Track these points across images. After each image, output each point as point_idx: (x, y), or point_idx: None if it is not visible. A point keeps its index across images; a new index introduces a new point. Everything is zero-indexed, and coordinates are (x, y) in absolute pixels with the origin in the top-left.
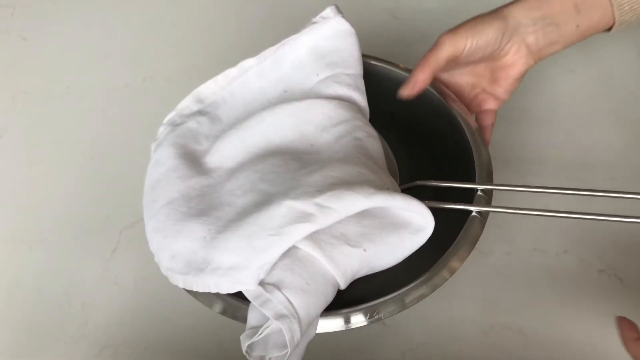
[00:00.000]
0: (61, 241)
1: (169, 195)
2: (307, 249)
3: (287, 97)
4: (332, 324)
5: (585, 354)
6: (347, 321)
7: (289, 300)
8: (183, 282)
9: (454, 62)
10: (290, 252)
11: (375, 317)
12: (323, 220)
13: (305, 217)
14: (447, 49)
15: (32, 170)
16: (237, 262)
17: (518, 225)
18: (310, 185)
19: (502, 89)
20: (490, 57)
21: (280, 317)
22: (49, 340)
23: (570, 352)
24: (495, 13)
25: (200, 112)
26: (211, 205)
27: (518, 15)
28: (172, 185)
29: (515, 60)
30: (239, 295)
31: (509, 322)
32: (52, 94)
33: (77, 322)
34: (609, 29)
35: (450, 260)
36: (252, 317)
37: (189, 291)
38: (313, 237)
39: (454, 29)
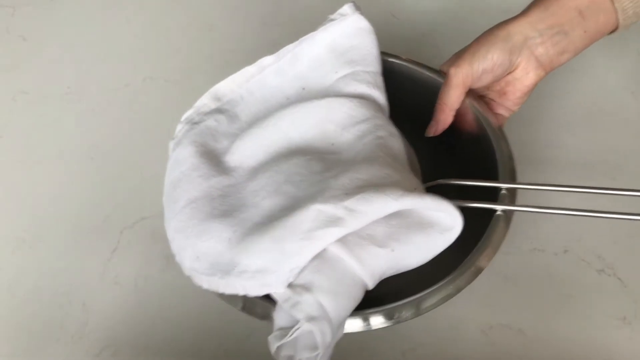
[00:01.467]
0: (61, 241)
1: (191, 195)
2: (336, 250)
3: (306, 95)
4: (352, 325)
5: (585, 353)
6: (367, 322)
7: (319, 302)
8: (208, 283)
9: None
10: (318, 254)
11: (396, 318)
12: (353, 224)
13: (335, 221)
14: (457, 86)
15: (32, 170)
16: (265, 265)
17: (518, 225)
18: (338, 189)
19: (510, 102)
20: (502, 76)
21: (311, 319)
22: (49, 340)
23: (570, 352)
24: (497, 32)
25: (218, 110)
26: (235, 206)
27: (523, 29)
28: (194, 184)
29: (523, 74)
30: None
31: (509, 322)
32: (52, 94)
33: (77, 322)
34: (613, 31)
35: (477, 260)
36: (280, 318)
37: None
38: (341, 238)
39: (457, 58)
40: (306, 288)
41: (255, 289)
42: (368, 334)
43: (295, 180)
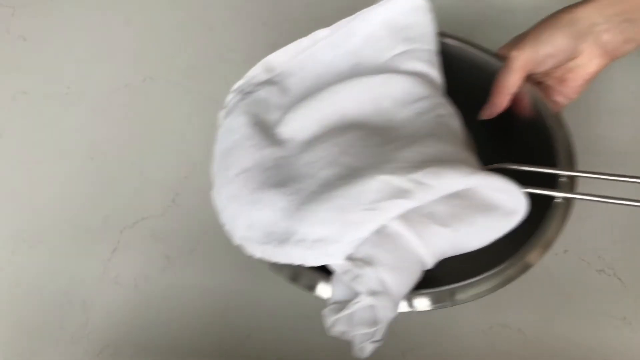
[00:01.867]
0: (61, 241)
1: (244, 164)
2: (397, 226)
3: (359, 71)
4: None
5: (584, 353)
6: (410, 303)
7: (381, 276)
8: (261, 252)
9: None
10: (379, 229)
11: (453, 300)
12: (421, 197)
13: (402, 193)
14: (518, 70)
15: (32, 170)
16: (326, 234)
17: None
18: (404, 161)
19: (570, 90)
20: (564, 62)
21: (373, 293)
22: (49, 340)
23: (570, 352)
24: (562, 16)
25: (269, 82)
26: (289, 177)
27: (590, 14)
28: (246, 153)
29: (587, 61)
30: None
31: (509, 322)
32: (52, 94)
33: (77, 322)
34: None
35: (536, 246)
36: (336, 292)
37: (263, 261)
38: (403, 215)
39: (519, 41)
40: (367, 262)
41: (313, 259)
42: None
43: (352, 152)
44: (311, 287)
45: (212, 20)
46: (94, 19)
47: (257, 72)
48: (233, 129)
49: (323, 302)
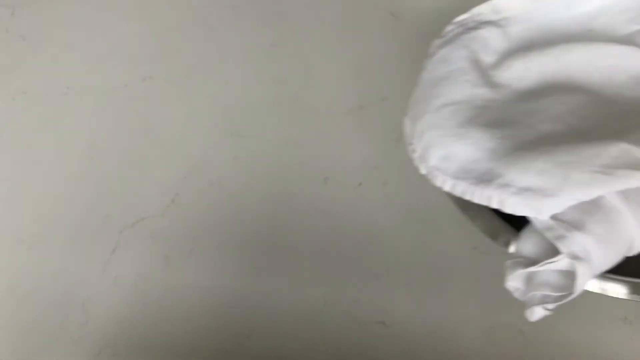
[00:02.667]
0: (61, 241)
1: (454, 96)
2: (616, 201)
3: (591, 37)
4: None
5: (585, 353)
6: (603, 287)
7: (587, 245)
8: (452, 186)
9: None
10: (595, 198)
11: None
12: None
13: None
14: None
15: (31, 170)
16: (540, 186)
17: None
18: None
19: None
20: None
21: (575, 258)
22: (49, 340)
23: (570, 352)
24: None
25: (494, 23)
26: (501, 121)
27: None
28: (459, 87)
29: None
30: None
31: (509, 322)
32: (52, 94)
33: (77, 322)
34: None
35: None
36: (525, 246)
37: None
38: (624, 191)
39: None
40: (575, 226)
41: (514, 206)
42: (368, 334)
43: (581, 115)
44: (506, 244)
45: (212, 20)
46: (94, 18)
47: (483, 10)
48: (449, 60)
49: (322, 302)
